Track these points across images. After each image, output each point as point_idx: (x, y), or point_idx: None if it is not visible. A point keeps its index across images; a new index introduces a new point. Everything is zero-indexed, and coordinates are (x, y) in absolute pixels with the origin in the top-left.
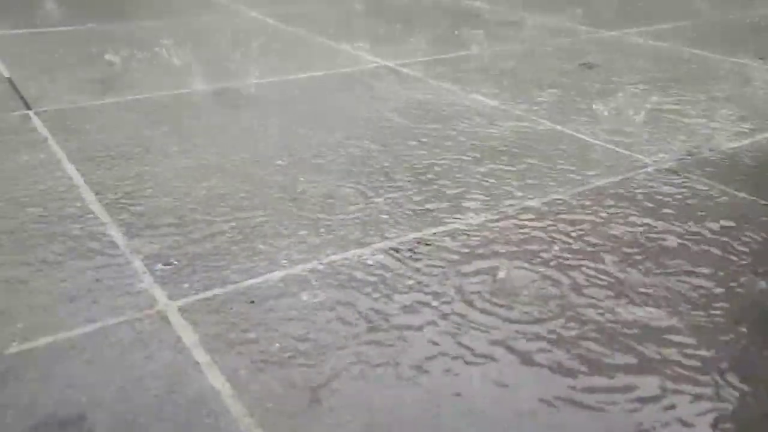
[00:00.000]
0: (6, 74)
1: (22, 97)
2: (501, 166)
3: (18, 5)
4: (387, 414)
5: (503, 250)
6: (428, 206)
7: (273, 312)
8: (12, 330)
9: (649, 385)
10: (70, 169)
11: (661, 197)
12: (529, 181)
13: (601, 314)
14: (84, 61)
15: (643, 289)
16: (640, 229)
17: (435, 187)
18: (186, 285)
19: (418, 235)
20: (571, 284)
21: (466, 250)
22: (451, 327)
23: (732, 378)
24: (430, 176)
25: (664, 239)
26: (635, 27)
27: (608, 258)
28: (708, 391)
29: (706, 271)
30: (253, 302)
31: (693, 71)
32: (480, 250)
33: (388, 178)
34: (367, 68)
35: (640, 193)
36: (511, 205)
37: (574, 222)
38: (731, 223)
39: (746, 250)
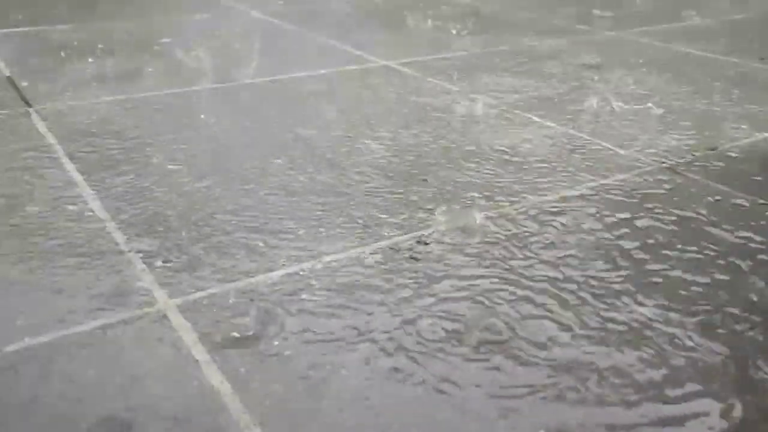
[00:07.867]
0: (6, 73)
1: (21, 95)
2: None
3: (18, 4)
4: (388, 415)
5: None
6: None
7: (273, 310)
8: (11, 327)
9: (647, 382)
10: (70, 166)
11: (659, 196)
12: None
13: (600, 315)
14: (84, 59)
15: (642, 287)
16: (638, 227)
17: None
18: (186, 283)
19: None
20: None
21: None
22: None
23: (732, 378)
24: None
25: (663, 237)
26: (636, 27)
27: (607, 256)
28: (706, 390)
29: (705, 269)
30: (253, 300)
31: (691, 70)
32: None
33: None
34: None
35: (639, 191)
36: None
37: (569, 215)
38: (731, 222)
39: (746, 248)
